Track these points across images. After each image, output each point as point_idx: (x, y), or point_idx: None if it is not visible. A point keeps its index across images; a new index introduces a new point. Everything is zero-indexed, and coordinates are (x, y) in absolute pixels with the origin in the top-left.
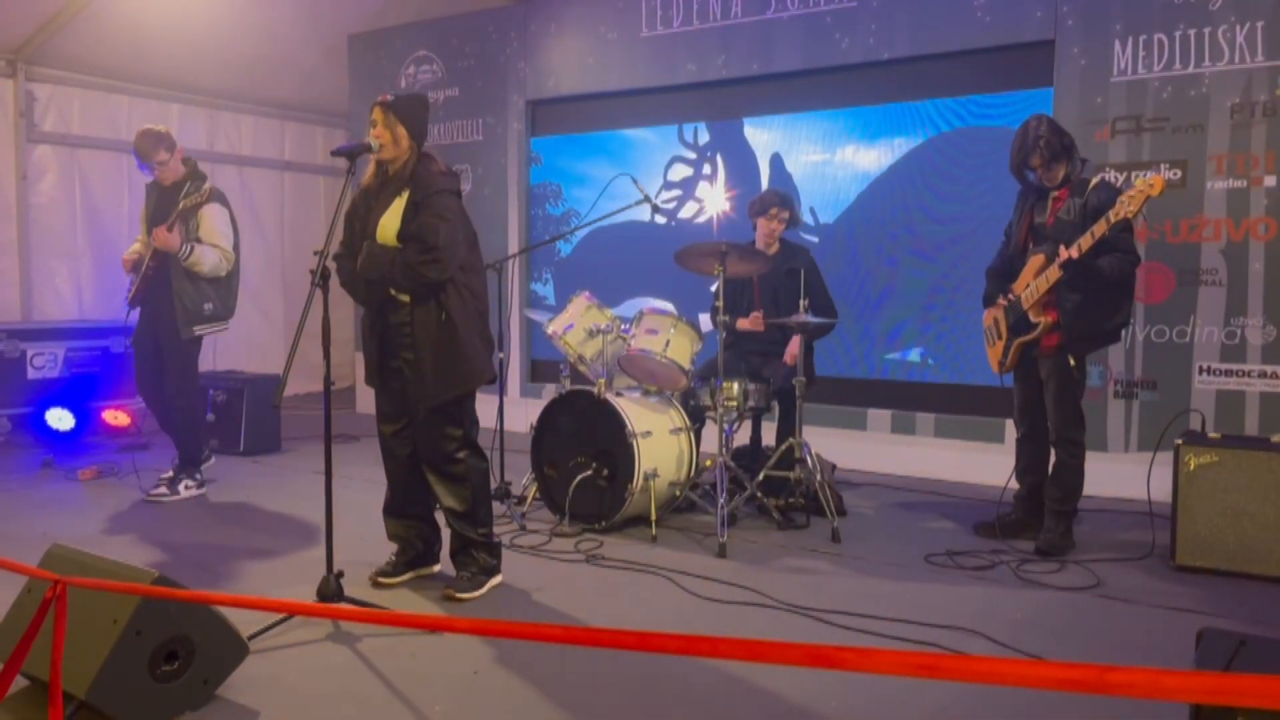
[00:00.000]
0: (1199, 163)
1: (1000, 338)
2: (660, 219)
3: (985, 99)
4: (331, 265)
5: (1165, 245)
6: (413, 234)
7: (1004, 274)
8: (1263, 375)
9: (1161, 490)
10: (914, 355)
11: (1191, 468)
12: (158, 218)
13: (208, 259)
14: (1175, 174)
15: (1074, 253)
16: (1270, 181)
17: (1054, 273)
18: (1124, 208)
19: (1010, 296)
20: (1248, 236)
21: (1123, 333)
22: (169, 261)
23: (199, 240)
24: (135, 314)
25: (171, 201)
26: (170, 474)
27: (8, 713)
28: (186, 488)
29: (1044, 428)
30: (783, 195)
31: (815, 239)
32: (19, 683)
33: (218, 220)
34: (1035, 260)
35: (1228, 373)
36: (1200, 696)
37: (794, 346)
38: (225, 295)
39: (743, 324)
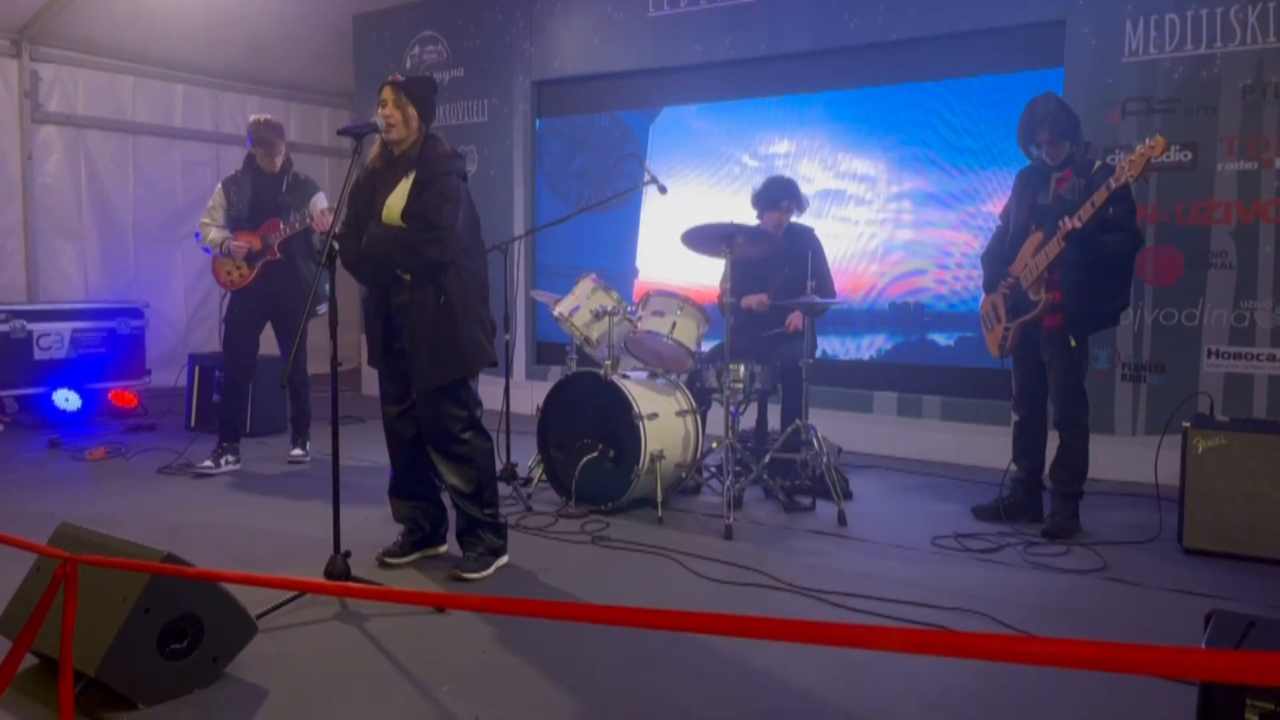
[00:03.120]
0: (1210, 144)
1: (999, 321)
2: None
3: (995, 79)
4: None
5: (1175, 227)
6: (415, 213)
7: (1000, 258)
8: (1272, 359)
9: (1169, 473)
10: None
11: (1199, 451)
12: (262, 204)
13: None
14: (1186, 155)
15: (1075, 223)
16: None
17: (1054, 247)
18: (1125, 172)
19: (1010, 279)
20: (1258, 219)
21: (1122, 315)
22: (294, 245)
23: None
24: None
25: (277, 188)
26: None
27: (18, 691)
28: (228, 463)
29: (1042, 412)
30: (789, 186)
31: (819, 222)
32: (28, 661)
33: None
34: (1033, 239)
35: (1236, 356)
36: (1211, 674)
37: (796, 319)
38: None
39: (748, 301)
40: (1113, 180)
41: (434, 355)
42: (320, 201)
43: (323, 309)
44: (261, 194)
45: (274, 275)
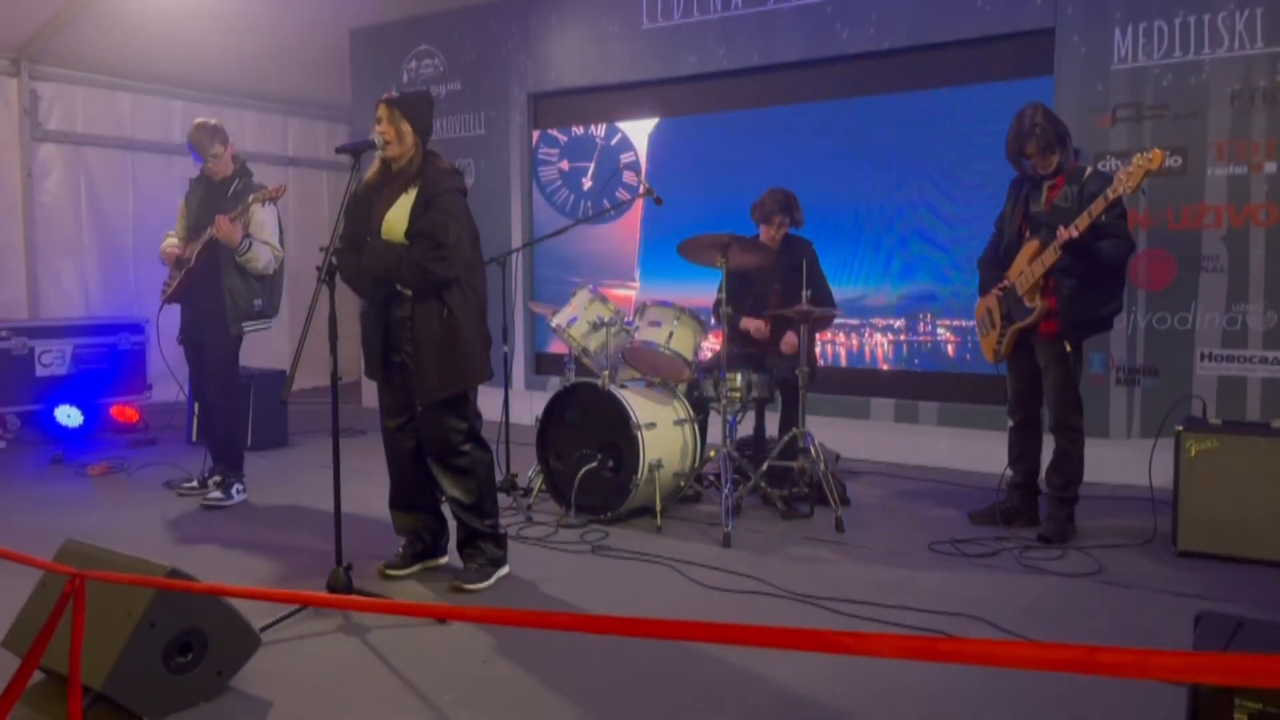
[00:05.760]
0: (1199, 149)
1: (994, 326)
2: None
3: (986, 88)
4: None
5: (1166, 232)
6: (422, 231)
7: (996, 264)
8: (1264, 361)
9: (1163, 476)
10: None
11: (1193, 454)
12: (205, 212)
13: (262, 255)
14: (1176, 161)
15: (1073, 232)
16: (1271, 168)
17: (1050, 256)
18: (1123, 184)
19: (1005, 284)
20: (1248, 223)
21: (1115, 320)
22: (219, 256)
23: (248, 235)
24: (165, 310)
25: (220, 196)
26: (218, 478)
27: (27, 705)
28: (239, 491)
29: (1038, 416)
30: (785, 201)
31: (816, 231)
32: (36, 676)
33: (268, 217)
34: (1029, 246)
35: (1229, 359)
36: (1188, 676)
37: (791, 337)
38: (271, 292)
39: (747, 324)
40: (1110, 191)
41: (438, 368)
42: (259, 212)
43: (259, 326)
44: (204, 202)
45: (192, 289)
